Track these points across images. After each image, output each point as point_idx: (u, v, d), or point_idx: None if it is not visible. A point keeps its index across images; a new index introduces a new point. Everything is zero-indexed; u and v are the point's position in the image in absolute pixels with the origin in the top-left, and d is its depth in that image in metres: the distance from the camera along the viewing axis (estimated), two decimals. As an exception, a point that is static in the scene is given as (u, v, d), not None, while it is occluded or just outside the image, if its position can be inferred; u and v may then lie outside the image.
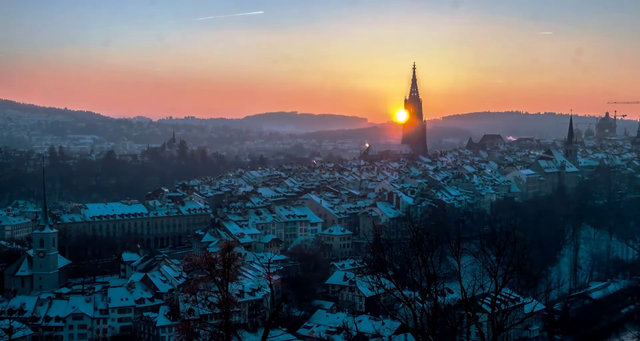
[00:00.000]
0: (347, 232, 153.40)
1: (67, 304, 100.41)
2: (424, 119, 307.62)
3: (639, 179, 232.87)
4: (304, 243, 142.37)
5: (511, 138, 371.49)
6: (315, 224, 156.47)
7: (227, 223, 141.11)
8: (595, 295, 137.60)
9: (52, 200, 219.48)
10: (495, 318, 35.60)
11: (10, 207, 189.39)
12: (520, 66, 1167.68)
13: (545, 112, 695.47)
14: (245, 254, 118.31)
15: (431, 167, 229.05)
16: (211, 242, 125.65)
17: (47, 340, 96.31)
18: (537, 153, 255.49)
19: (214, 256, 51.33)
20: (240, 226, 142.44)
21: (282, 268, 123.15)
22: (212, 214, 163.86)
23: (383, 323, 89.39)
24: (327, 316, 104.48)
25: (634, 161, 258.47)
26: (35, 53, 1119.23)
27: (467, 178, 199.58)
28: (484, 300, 58.46)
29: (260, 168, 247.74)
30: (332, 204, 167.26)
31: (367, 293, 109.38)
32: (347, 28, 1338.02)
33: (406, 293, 40.86)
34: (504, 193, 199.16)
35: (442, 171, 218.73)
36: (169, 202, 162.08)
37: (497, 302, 37.64)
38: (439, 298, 38.04)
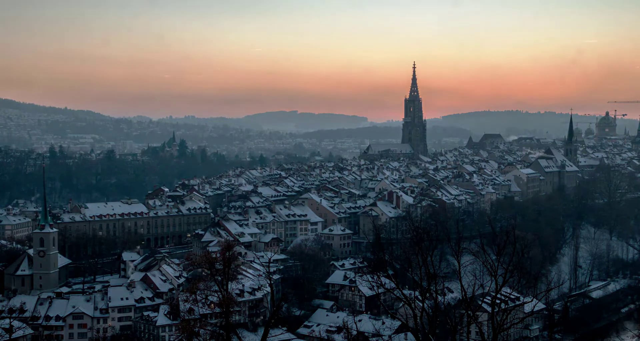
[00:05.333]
0: (347, 231, 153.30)
1: (67, 303, 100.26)
2: (424, 118, 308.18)
3: (639, 179, 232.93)
4: (304, 242, 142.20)
5: (512, 135, 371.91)
6: (316, 223, 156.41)
7: (227, 222, 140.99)
8: (595, 294, 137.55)
9: (52, 199, 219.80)
10: (495, 318, 35.61)
11: (10, 206, 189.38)
12: (521, 65, 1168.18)
13: (546, 112, 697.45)
14: (246, 253, 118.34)
15: (431, 167, 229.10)
16: (211, 241, 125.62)
17: (47, 339, 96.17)
18: (537, 152, 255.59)
19: (214, 256, 51.50)
20: (241, 226, 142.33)
21: (282, 267, 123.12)
22: (212, 214, 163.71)
23: (383, 323, 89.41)
24: (327, 315, 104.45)
25: (634, 161, 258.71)
26: (35, 53, 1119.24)
27: (467, 177, 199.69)
28: (484, 299, 58.58)
29: (260, 167, 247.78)
30: (332, 203, 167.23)
31: (367, 292, 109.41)
32: (347, 27, 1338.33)
33: (406, 292, 40.92)
34: (504, 192, 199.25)
35: (442, 170, 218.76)
36: (169, 201, 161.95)
37: (497, 301, 37.66)
38: (439, 298, 38.07)
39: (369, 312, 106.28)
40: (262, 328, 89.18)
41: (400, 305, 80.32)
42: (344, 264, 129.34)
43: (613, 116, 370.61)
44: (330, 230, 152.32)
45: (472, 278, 41.05)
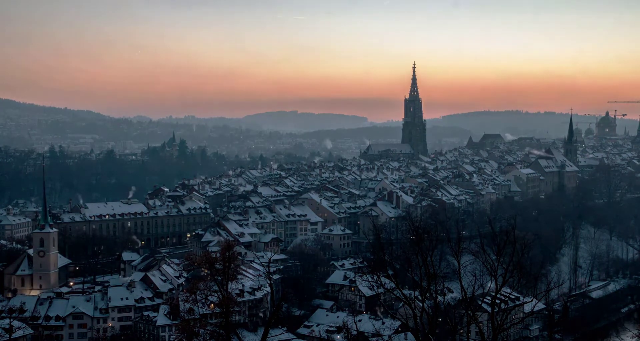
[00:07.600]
0: (347, 231, 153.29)
1: (67, 303, 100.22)
2: (424, 118, 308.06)
3: (639, 179, 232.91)
4: (304, 242, 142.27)
5: (510, 135, 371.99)
6: (316, 223, 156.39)
7: (227, 222, 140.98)
8: (595, 294, 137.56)
9: (52, 199, 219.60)
10: (495, 318, 35.60)
11: (10, 206, 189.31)
12: (521, 64, 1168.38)
13: (546, 112, 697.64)
14: (245, 253, 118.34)
15: (431, 167, 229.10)
16: (211, 241, 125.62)
17: (47, 339, 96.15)
18: (537, 152, 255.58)
19: (214, 256, 51.49)
20: (240, 226, 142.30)
21: (282, 267, 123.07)
22: (212, 214, 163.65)
23: (383, 323, 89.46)
24: (327, 315, 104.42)
25: (634, 160, 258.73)
26: (36, 52, 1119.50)
27: (467, 177, 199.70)
28: (484, 299, 58.56)
29: (260, 167, 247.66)
30: (332, 203, 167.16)
31: (367, 292, 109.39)
32: (347, 27, 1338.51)
33: (406, 292, 40.89)
34: (504, 192, 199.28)
35: (442, 170, 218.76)
36: (169, 201, 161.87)
37: (497, 301, 37.65)
38: (439, 298, 38.08)
39: (368, 312, 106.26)
40: (262, 328, 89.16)
41: (400, 305, 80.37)
42: (344, 264, 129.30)
43: (613, 116, 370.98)
44: (330, 230, 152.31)
45: (472, 278, 41.02)
